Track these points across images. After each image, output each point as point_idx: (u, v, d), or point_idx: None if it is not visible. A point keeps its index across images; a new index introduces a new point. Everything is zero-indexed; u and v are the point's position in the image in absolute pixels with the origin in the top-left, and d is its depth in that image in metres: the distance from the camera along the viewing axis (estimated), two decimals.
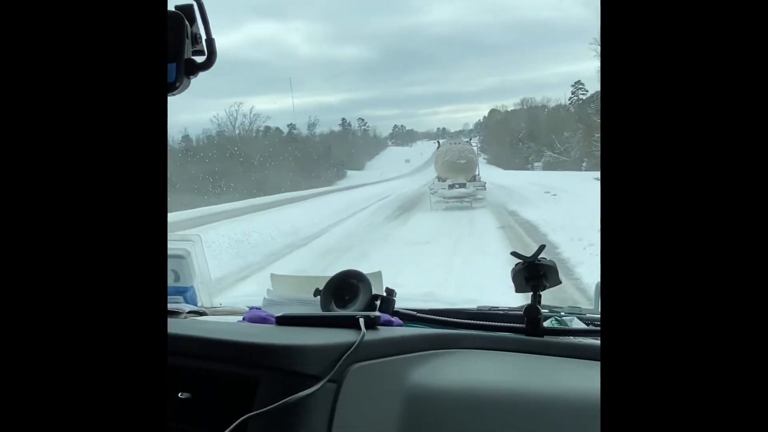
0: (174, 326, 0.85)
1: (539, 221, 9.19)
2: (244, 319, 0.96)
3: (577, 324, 0.93)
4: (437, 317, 0.94)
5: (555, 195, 15.12)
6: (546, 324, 0.90)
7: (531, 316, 0.87)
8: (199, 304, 1.16)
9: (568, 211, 9.77)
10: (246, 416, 0.59)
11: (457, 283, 5.32)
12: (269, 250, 7.97)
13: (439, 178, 16.90)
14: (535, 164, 34.35)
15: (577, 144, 30.86)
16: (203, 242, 1.21)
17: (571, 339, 0.86)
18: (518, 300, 1.07)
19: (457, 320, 0.93)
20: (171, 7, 0.68)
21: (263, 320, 0.92)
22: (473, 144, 21.95)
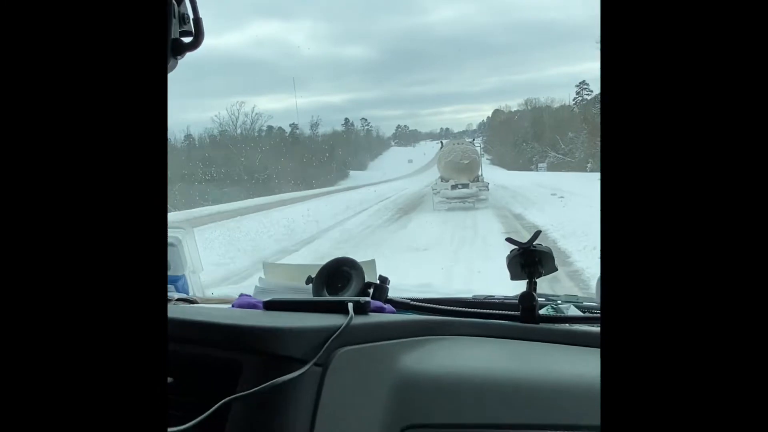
0: None
1: (547, 226, 8.71)
2: (233, 305, 0.94)
3: (573, 312, 0.91)
4: (431, 305, 0.92)
5: (562, 197, 14.56)
6: (542, 312, 0.88)
7: (526, 303, 0.85)
8: (190, 293, 1.14)
9: (578, 214, 9.26)
10: (227, 399, 0.58)
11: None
12: (259, 256, 7.45)
13: (442, 179, 16.89)
14: (540, 165, 34.30)
15: (581, 145, 30.82)
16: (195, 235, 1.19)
17: (567, 326, 0.84)
18: (517, 290, 1.05)
19: (452, 308, 0.91)
20: None
21: (252, 306, 0.91)
22: (476, 144, 21.96)
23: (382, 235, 10.05)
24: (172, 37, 0.68)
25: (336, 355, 0.64)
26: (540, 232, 0.88)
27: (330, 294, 0.94)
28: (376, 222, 12.40)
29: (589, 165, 26.22)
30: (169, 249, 1.11)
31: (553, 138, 34.56)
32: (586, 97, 39.28)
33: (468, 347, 0.78)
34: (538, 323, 0.84)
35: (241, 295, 0.98)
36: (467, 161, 17.25)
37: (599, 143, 0.39)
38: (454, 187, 15.56)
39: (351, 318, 0.68)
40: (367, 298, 0.79)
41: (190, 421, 0.64)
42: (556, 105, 43.53)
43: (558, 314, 0.90)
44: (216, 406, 0.57)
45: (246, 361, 0.63)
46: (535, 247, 0.86)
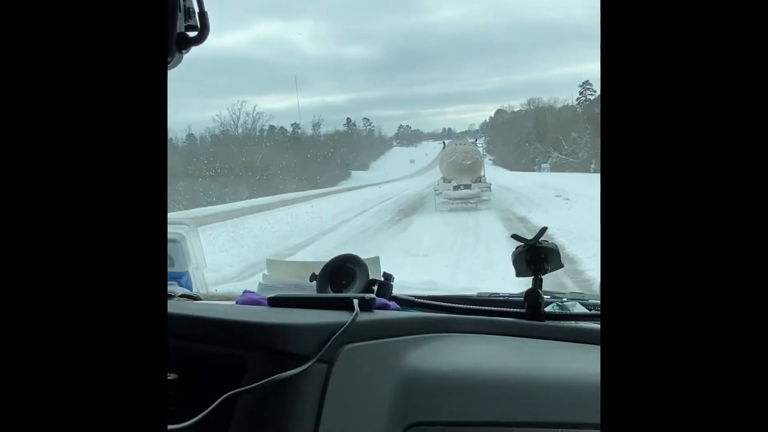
0: None
1: (554, 230, 8.29)
2: (237, 302, 0.94)
3: (579, 309, 0.90)
4: (436, 302, 0.92)
5: (568, 199, 14.07)
6: (547, 309, 0.87)
7: (532, 301, 0.84)
8: (194, 290, 1.14)
9: (585, 218, 8.81)
10: (230, 393, 0.57)
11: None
12: (250, 261, 6.92)
13: (444, 179, 16.86)
14: (543, 166, 34.17)
15: (585, 145, 30.76)
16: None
17: (573, 323, 0.83)
18: (521, 288, 1.04)
19: (456, 305, 0.91)
20: None
21: (256, 303, 0.90)
22: (479, 145, 21.91)
23: (380, 238, 9.73)
24: (177, 31, 0.67)
25: (341, 352, 0.64)
26: (546, 228, 0.87)
27: (334, 291, 0.94)
28: (375, 224, 12.10)
29: (592, 166, 26.15)
30: (173, 245, 1.11)
31: (556, 138, 34.48)
32: (589, 97, 39.21)
33: (473, 344, 0.78)
34: (543, 320, 0.83)
35: (245, 291, 0.97)
36: (469, 162, 17.22)
37: None
38: (456, 187, 15.53)
39: (356, 314, 0.68)
40: (372, 295, 0.79)
41: (193, 418, 0.64)
42: (559, 105, 43.43)
43: (564, 311, 0.89)
44: (219, 400, 0.57)
45: (250, 357, 0.62)
46: (540, 243, 0.86)
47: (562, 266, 0.87)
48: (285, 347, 0.62)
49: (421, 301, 0.92)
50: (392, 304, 0.89)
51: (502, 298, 0.98)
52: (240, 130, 34.02)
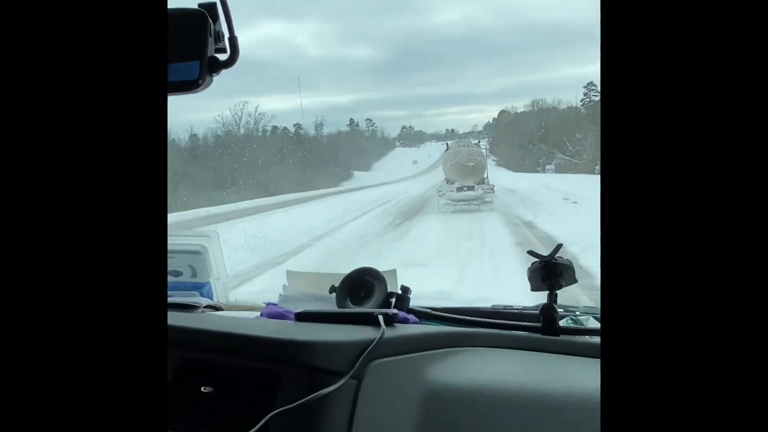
0: (193, 321, 0.86)
1: (563, 237, 7.56)
2: (262, 314, 0.97)
3: (593, 323, 0.93)
4: (452, 315, 0.94)
5: (576, 203, 13.42)
6: (561, 323, 0.90)
7: (547, 315, 0.87)
8: (215, 300, 1.17)
9: (596, 224, 7.79)
10: (273, 413, 0.60)
11: None
12: (236, 271, 6.62)
13: (448, 181, 16.83)
14: (547, 167, 33.97)
15: (589, 146, 30.61)
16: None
17: (588, 338, 0.86)
18: (532, 299, 1.07)
19: (473, 318, 0.93)
20: (194, 5, 0.69)
21: (281, 316, 0.93)
22: (482, 146, 21.84)
23: (378, 245, 9.19)
24: (209, 54, 0.70)
25: (369, 368, 0.66)
26: (561, 245, 0.90)
27: (353, 303, 0.96)
28: (374, 229, 11.56)
29: (597, 167, 25.99)
30: (196, 256, 1.14)
31: (560, 139, 34.35)
32: (593, 98, 39.09)
33: (492, 359, 0.80)
34: (558, 335, 0.86)
35: (268, 304, 1.00)
36: (473, 164, 17.20)
37: None
38: (459, 189, 15.52)
39: (383, 332, 0.70)
40: (395, 311, 0.81)
41: (223, 428, 0.67)
42: (563, 106, 43.29)
43: (578, 326, 0.92)
44: (266, 418, 0.59)
45: (285, 373, 0.65)
46: (556, 260, 0.89)
47: (576, 281, 0.89)
48: (317, 363, 0.65)
49: (439, 314, 0.95)
50: (411, 317, 0.92)
51: (516, 311, 1.00)
52: (242, 131, 33.90)
